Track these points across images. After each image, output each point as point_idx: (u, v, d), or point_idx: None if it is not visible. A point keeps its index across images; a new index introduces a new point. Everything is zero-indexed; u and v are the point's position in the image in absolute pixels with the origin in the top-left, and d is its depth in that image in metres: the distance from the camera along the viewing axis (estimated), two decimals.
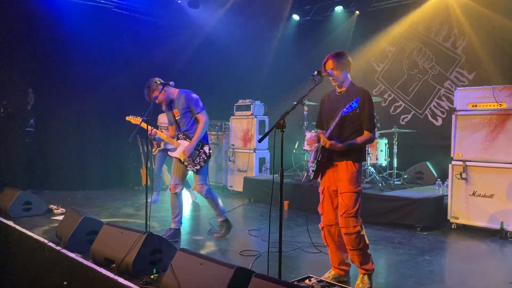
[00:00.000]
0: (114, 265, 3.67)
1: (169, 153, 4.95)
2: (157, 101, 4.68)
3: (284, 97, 8.63)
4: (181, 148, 4.78)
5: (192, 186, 5.06)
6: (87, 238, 4.22)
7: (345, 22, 8.90)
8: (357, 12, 8.62)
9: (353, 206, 3.32)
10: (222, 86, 9.77)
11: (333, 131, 3.35)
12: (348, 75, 3.56)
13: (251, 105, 8.35)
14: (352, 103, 3.18)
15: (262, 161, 8.37)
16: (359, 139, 3.39)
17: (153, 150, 6.93)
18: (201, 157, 4.76)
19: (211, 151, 4.85)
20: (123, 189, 7.19)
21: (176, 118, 4.83)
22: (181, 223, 4.96)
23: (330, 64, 3.47)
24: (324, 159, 3.43)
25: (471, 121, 5.40)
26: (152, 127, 4.69)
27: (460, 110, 5.52)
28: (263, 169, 8.27)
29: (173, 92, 4.83)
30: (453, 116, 5.58)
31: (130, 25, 8.78)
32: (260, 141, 3.11)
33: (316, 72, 3.40)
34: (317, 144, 3.57)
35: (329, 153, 3.41)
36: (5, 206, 5.75)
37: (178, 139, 4.85)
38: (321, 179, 3.59)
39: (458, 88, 5.80)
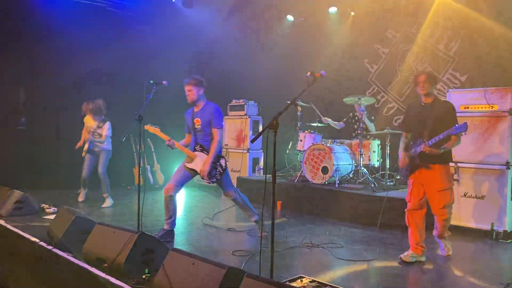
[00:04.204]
0: (106, 264, 3.66)
1: (186, 164, 4.95)
2: (189, 101, 4.90)
3: (278, 97, 8.64)
4: (198, 161, 4.84)
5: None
6: (79, 237, 4.19)
7: (339, 23, 8.93)
8: (352, 13, 8.66)
9: (451, 198, 4.21)
10: (216, 86, 9.74)
11: (440, 142, 3.99)
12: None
13: (245, 105, 8.37)
14: (462, 127, 3.82)
15: (255, 161, 8.39)
16: (450, 144, 4.10)
17: (83, 153, 6.86)
18: (217, 170, 4.82)
19: (227, 163, 4.92)
20: (115, 188, 7.18)
21: (196, 127, 4.89)
22: (174, 224, 4.94)
23: (422, 77, 4.23)
24: (421, 162, 4.19)
25: None
26: (170, 138, 4.81)
27: None
28: (257, 169, 8.28)
29: (202, 101, 4.95)
30: None
31: (124, 24, 8.75)
32: (252, 141, 3.12)
33: (309, 73, 3.42)
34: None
35: (426, 157, 4.11)
36: None
37: (194, 150, 4.91)
38: (409, 175, 4.33)
39: (450, 90, 5.84)
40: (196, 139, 4.92)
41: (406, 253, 4.24)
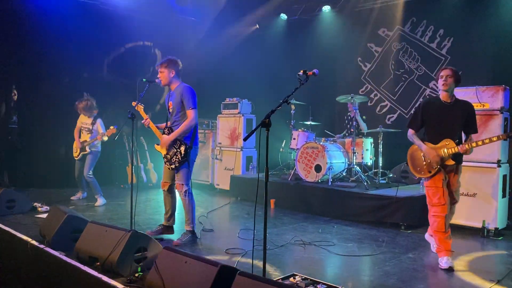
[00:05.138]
0: (99, 263, 3.65)
1: (155, 145, 4.91)
2: (162, 84, 4.73)
3: (272, 95, 8.64)
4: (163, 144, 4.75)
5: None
6: (71, 236, 4.18)
7: (333, 22, 8.95)
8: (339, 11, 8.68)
9: (459, 195, 4.38)
10: (210, 85, 9.75)
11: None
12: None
13: (238, 104, 8.35)
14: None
15: (249, 159, 8.38)
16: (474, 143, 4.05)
17: (75, 154, 6.88)
18: (177, 157, 4.59)
19: (188, 152, 4.60)
20: (108, 187, 7.15)
21: (169, 110, 4.77)
22: (169, 220, 4.93)
23: (447, 71, 4.15)
24: (455, 162, 4.14)
25: None
26: (148, 117, 4.71)
27: None
28: (250, 167, 8.27)
29: (175, 83, 4.71)
30: None
31: (117, 22, 8.68)
32: (245, 139, 3.12)
33: (302, 71, 3.42)
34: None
35: (458, 157, 4.13)
36: None
37: (163, 133, 4.80)
38: (434, 175, 4.12)
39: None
40: (168, 123, 4.78)
41: (448, 260, 4.01)
